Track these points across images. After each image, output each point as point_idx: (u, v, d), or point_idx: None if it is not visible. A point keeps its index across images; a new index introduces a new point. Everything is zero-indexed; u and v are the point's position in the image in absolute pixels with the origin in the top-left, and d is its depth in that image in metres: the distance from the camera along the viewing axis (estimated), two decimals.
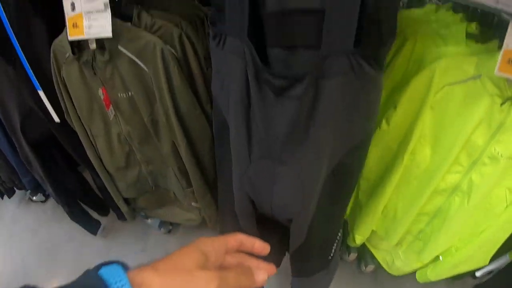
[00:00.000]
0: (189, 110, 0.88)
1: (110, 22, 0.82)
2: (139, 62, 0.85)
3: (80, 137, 1.05)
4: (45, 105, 1.09)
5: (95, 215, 1.50)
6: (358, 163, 0.75)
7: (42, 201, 1.75)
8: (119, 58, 0.87)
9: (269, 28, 0.59)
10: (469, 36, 0.85)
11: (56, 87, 1.01)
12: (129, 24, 0.86)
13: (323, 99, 0.59)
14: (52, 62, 0.98)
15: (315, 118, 0.61)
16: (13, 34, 1.00)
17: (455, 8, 0.96)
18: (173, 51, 0.83)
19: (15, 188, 1.64)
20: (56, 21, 0.94)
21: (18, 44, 1.02)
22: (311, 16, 0.57)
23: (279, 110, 0.61)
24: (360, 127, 0.66)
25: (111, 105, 0.96)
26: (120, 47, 0.86)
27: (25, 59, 1.03)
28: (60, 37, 0.95)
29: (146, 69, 0.85)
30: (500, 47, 0.83)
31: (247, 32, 0.58)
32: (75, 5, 0.88)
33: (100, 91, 0.94)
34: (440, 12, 0.94)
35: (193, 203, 1.12)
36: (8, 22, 0.99)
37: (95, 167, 1.10)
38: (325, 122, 0.61)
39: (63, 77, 0.98)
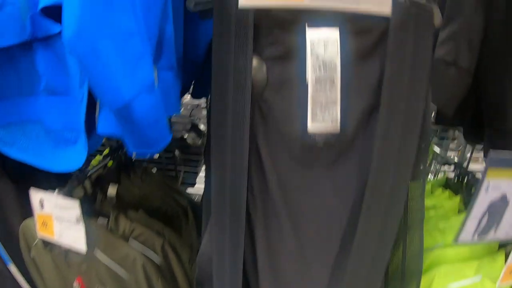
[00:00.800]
0: None
1: (84, 237, 0.74)
2: (118, 271, 0.78)
3: None
4: None
5: None
6: None
7: None
8: (95, 262, 0.79)
9: None
10: None
11: (26, 265, 0.92)
12: (105, 227, 0.79)
13: None
14: (21, 241, 0.89)
15: None
16: None
17: (449, 185, 0.93)
18: (155, 261, 0.77)
19: None
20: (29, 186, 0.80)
21: None
22: None
23: None
24: None
25: None
26: (96, 254, 0.78)
27: None
28: (29, 220, 0.87)
29: (126, 278, 0.78)
30: (501, 246, 0.81)
31: None
32: (44, 204, 0.79)
33: (76, 283, 0.86)
34: (435, 194, 0.90)
35: None
36: None
37: None
38: None
39: (33, 258, 0.90)
